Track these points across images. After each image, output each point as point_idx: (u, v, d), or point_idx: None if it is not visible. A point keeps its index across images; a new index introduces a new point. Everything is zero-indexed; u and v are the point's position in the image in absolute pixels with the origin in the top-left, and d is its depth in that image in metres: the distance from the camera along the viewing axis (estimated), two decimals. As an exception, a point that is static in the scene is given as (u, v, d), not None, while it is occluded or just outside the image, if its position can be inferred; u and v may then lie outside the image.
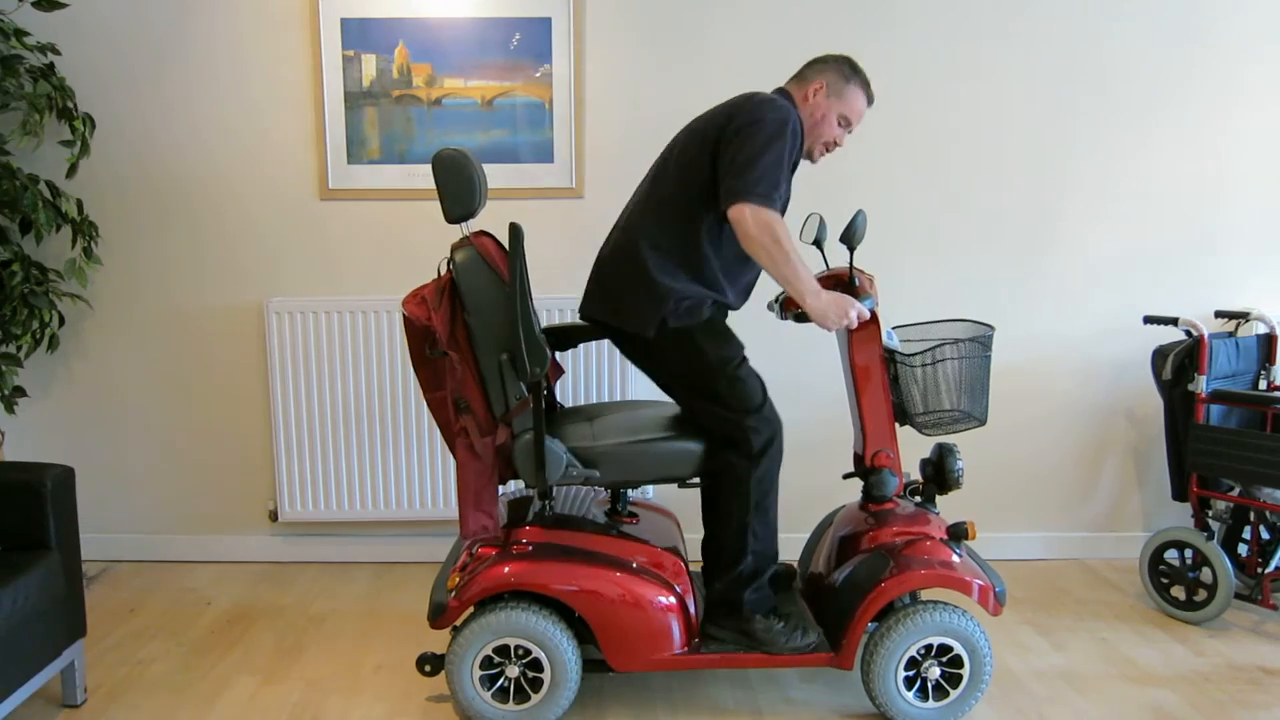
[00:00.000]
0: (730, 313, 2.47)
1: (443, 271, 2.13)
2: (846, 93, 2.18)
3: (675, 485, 2.26)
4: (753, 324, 3.10)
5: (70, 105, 2.85)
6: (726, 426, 2.13)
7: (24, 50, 2.81)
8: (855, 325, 2.10)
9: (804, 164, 3.04)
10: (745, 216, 2.01)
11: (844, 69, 2.19)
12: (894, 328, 2.39)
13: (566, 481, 2.15)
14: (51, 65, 2.86)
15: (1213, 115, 3.08)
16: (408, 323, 2.14)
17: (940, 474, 2.30)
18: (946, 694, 2.17)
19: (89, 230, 2.93)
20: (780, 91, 2.23)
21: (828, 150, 2.24)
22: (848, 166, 3.07)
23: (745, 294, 2.28)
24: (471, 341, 2.10)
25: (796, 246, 2.04)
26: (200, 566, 3.18)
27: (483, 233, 2.20)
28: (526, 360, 2.04)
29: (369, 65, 2.99)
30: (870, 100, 2.23)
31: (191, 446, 3.17)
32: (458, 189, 2.05)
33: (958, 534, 2.19)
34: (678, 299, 2.12)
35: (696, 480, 2.24)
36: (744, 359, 2.18)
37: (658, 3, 2.99)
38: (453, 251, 2.09)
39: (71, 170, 2.84)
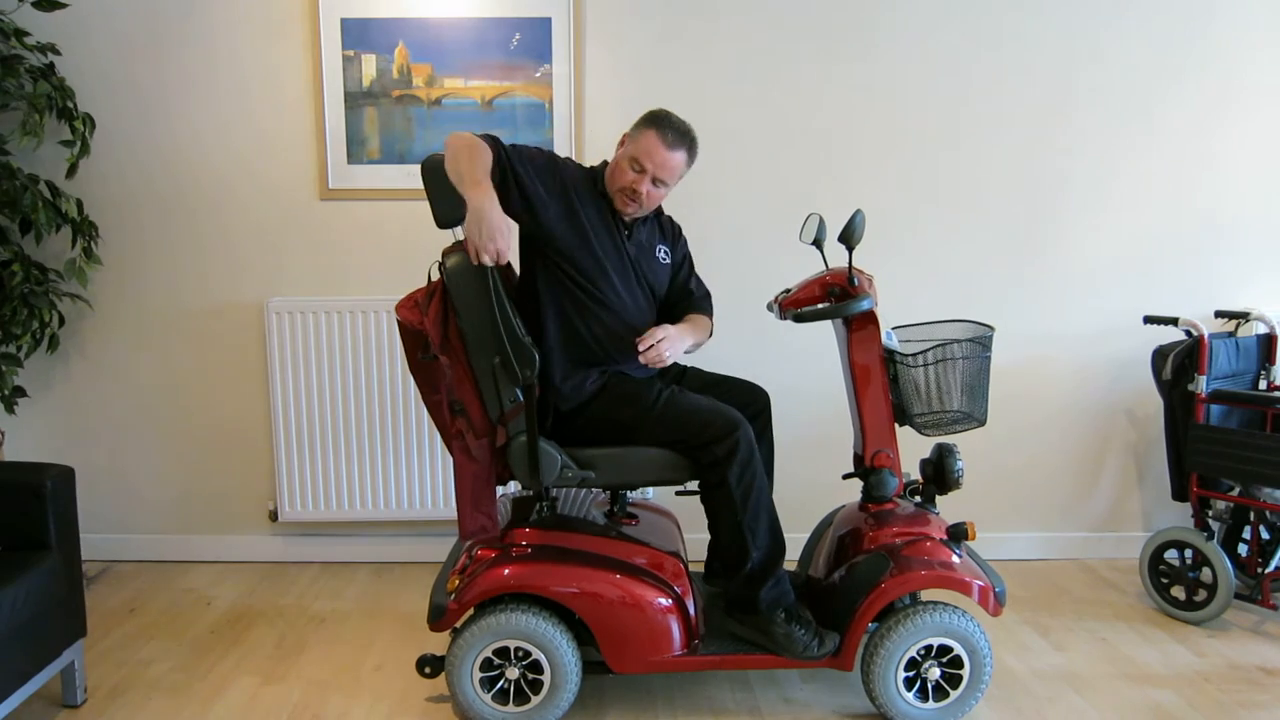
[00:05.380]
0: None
1: (434, 276, 2.12)
2: (639, 137, 2.16)
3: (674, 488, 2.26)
4: (752, 324, 3.10)
5: (70, 105, 2.85)
6: (686, 451, 2.15)
7: (24, 50, 2.81)
8: (491, 260, 1.96)
9: (801, 165, 3.06)
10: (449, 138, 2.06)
11: (644, 118, 2.19)
12: (894, 328, 2.38)
13: (562, 483, 2.15)
14: (51, 65, 2.86)
15: (1213, 114, 3.08)
16: (402, 327, 2.14)
17: (940, 474, 2.29)
18: (946, 694, 2.17)
19: (89, 230, 2.93)
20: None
21: (629, 198, 2.17)
22: (846, 166, 3.07)
23: (623, 345, 2.21)
24: (465, 345, 2.10)
25: (486, 164, 2.01)
26: (200, 566, 3.18)
27: None
28: (515, 364, 2.04)
29: (369, 65, 2.99)
30: (668, 144, 2.13)
31: (191, 446, 3.17)
32: (446, 194, 2.05)
33: (958, 534, 2.19)
34: (559, 383, 2.17)
35: (692, 487, 2.24)
36: (659, 393, 2.17)
37: (658, 2, 2.99)
38: (444, 256, 2.08)
39: (71, 170, 2.85)
